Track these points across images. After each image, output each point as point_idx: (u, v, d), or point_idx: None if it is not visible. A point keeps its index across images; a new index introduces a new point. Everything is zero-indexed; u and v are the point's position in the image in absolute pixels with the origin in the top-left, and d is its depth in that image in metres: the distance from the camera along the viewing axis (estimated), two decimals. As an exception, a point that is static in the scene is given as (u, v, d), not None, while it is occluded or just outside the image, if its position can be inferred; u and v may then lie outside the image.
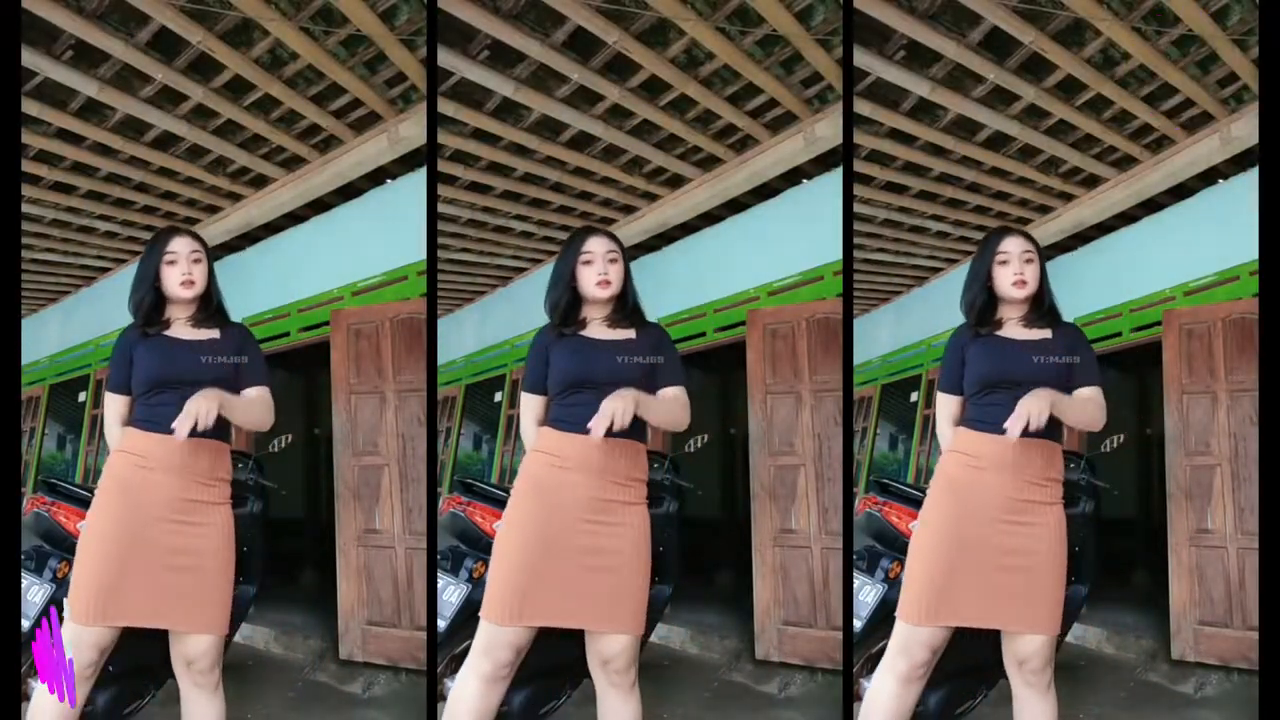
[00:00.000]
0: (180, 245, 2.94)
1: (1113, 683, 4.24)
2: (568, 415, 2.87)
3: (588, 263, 2.90)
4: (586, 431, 2.80)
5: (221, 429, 2.91)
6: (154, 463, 2.86)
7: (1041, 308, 2.95)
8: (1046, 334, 2.93)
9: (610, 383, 2.85)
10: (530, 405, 2.95)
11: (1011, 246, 2.93)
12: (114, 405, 2.95)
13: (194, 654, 2.93)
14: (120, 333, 2.97)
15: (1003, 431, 2.78)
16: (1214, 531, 4.32)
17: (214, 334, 2.95)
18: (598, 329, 2.93)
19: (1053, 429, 2.87)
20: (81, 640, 2.88)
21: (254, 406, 2.95)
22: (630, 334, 2.92)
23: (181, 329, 2.95)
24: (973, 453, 2.88)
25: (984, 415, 2.88)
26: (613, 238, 2.97)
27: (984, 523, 2.87)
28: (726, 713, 3.99)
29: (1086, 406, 2.90)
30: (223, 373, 2.92)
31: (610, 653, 2.92)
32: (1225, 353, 4.32)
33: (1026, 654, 2.93)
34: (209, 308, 2.97)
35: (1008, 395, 2.85)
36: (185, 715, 2.99)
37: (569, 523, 2.84)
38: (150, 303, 2.93)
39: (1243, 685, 4.12)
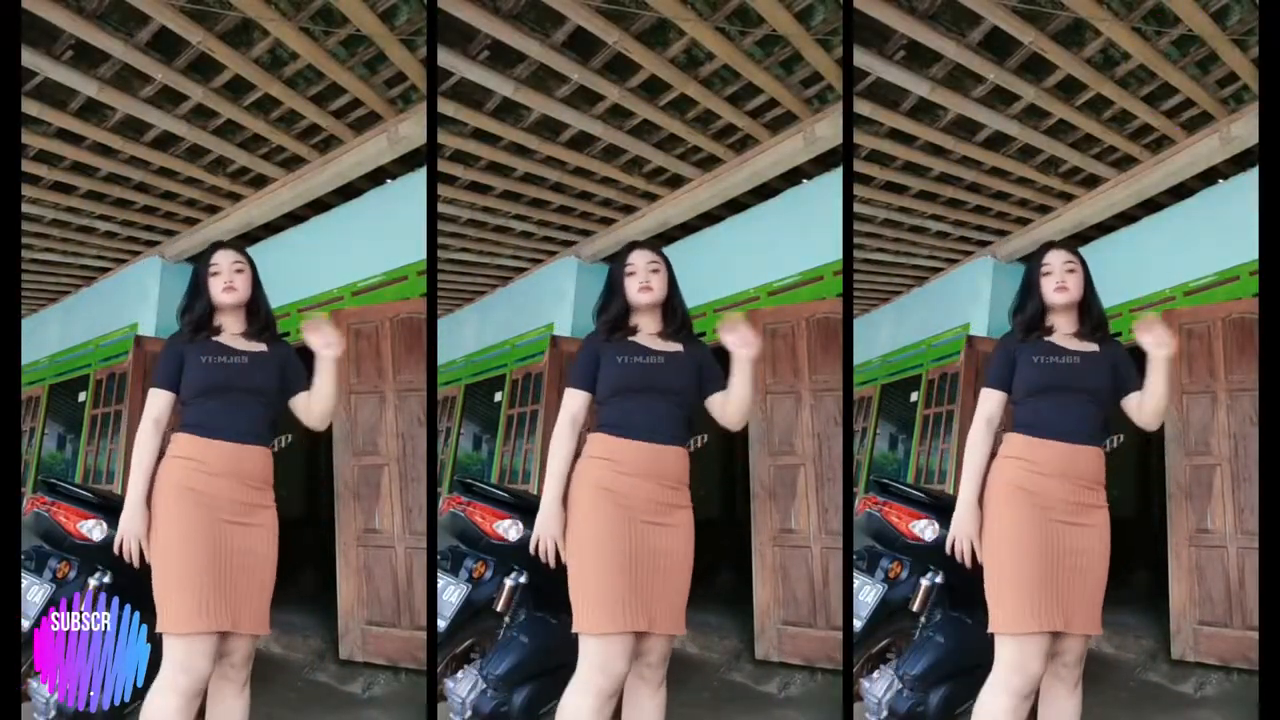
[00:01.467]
0: (222, 258, 3.08)
1: (1113, 683, 4.24)
2: (622, 420, 2.97)
3: (631, 274, 3.05)
4: (641, 437, 2.95)
5: (265, 435, 3.04)
6: (212, 467, 2.96)
7: (1091, 320, 3.07)
8: (1095, 347, 3.04)
9: (660, 390, 2.99)
10: (574, 401, 3.04)
11: (1054, 259, 3.07)
12: (158, 402, 3.03)
13: (233, 647, 2.99)
14: (169, 336, 3.09)
15: (1069, 440, 2.95)
16: (1214, 531, 4.31)
17: (262, 348, 3.06)
18: (649, 339, 3.05)
19: (1096, 435, 3.00)
20: (194, 650, 2.90)
21: (326, 397, 3.07)
22: (679, 348, 3.05)
23: (232, 339, 3.05)
24: (1033, 458, 2.98)
25: (1037, 420, 2.99)
26: (656, 250, 3.11)
27: (1051, 524, 2.96)
28: (726, 713, 3.99)
29: (1158, 405, 3.03)
30: (266, 384, 3.04)
31: (648, 648, 2.99)
32: (1225, 353, 4.32)
33: (1065, 646, 3.00)
34: (258, 320, 3.09)
35: (1057, 401, 2.99)
36: (211, 712, 3.02)
37: (637, 525, 2.94)
38: (201, 313, 3.05)
39: (1243, 685, 4.12)
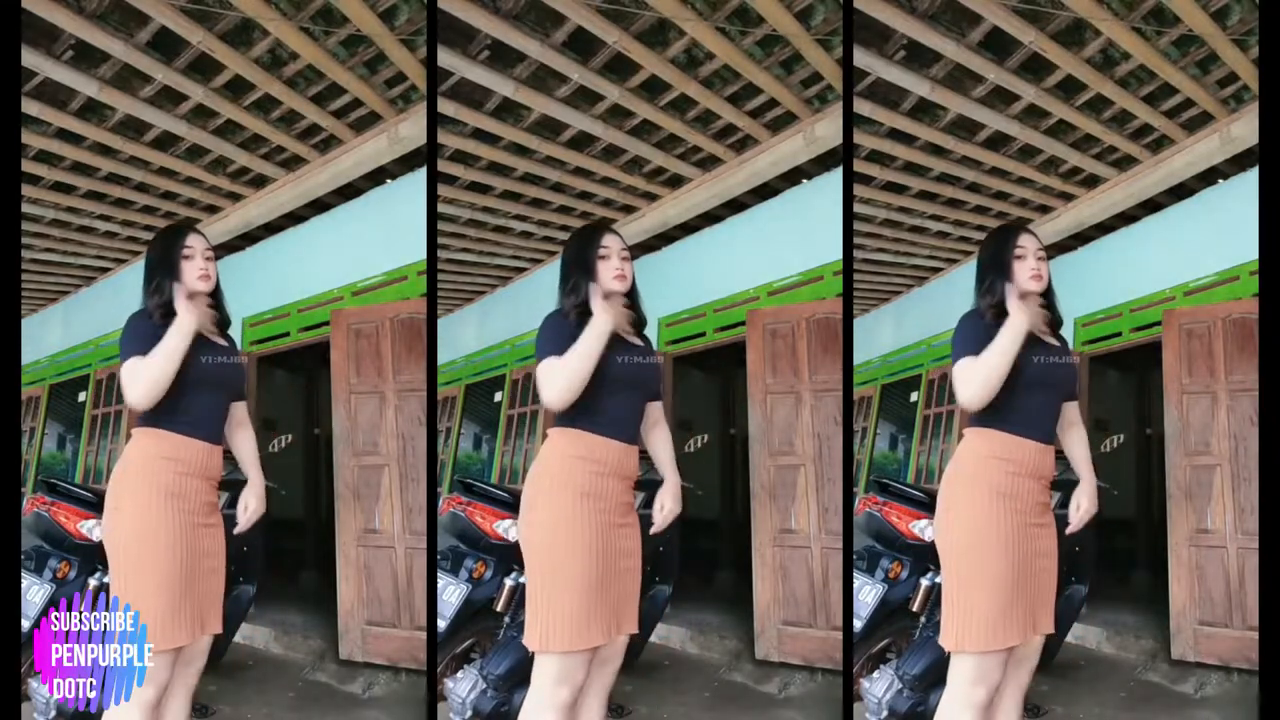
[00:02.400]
0: (196, 241, 2.91)
1: (1113, 683, 4.24)
2: (599, 416, 2.81)
3: (604, 257, 2.86)
4: (617, 436, 2.81)
5: (221, 433, 2.94)
6: (193, 469, 2.85)
7: (1055, 313, 2.93)
8: (1059, 344, 2.93)
9: (641, 388, 2.87)
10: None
11: (1027, 243, 2.90)
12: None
13: (197, 653, 2.95)
14: (134, 315, 2.88)
15: (1043, 440, 2.84)
16: (1214, 531, 4.32)
17: (224, 341, 2.96)
18: (622, 331, 2.89)
19: (1052, 435, 2.89)
20: (162, 662, 2.85)
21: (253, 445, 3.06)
22: (643, 344, 2.94)
23: (206, 332, 2.91)
24: (1013, 459, 2.82)
25: (1017, 419, 2.82)
26: (621, 236, 2.94)
27: (1025, 529, 2.83)
28: (726, 713, 3.99)
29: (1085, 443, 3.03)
30: (236, 379, 2.96)
31: (614, 652, 2.92)
32: (1225, 353, 4.32)
33: (1028, 653, 2.92)
34: (221, 314, 2.96)
35: (1043, 399, 2.85)
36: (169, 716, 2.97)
37: (611, 529, 2.82)
38: (171, 296, 2.86)
39: (1243, 685, 4.12)
